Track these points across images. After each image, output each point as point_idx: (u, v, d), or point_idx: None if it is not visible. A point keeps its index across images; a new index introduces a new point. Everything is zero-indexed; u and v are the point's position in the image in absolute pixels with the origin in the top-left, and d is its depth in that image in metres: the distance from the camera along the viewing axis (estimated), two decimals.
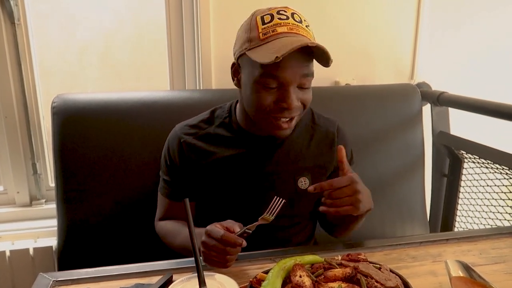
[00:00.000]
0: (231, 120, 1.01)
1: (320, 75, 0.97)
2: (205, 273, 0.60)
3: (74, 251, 1.24)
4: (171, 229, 1.02)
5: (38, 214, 1.50)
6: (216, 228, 0.77)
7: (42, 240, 1.42)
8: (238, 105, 1.01)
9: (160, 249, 1.06)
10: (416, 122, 1.56)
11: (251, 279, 0.73)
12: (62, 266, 1.24)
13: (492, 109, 1.42)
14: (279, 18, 0.86)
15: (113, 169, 1.23)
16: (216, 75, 1.50)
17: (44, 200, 1.52)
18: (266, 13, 0.88)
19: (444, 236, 1.02)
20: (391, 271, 0.76)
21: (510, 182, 1.50)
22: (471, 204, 1.69)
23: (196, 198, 1.02)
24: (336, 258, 0.79)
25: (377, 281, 0.69)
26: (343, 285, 0.66)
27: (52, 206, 1.39)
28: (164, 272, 0.82)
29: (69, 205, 1.23)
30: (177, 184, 1.02)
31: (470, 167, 1.64)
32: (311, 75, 0.89)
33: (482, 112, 1.46)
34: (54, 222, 1.29)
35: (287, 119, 0.91)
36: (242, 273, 0.84)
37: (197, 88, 1.53)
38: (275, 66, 0.82)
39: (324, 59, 0.86)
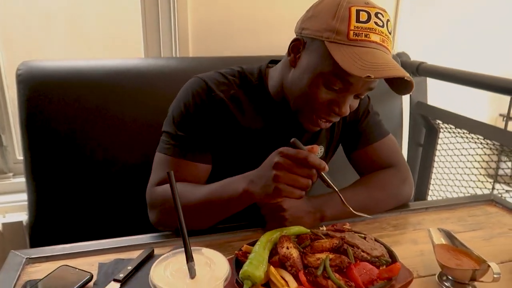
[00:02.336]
0: (262, 88, 0.92)
1: None
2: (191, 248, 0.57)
3: (46, 226, 1.19)
4: (182, 189, 0.82)
5: (6, 188, 1.42)
6: (292, 149, 0.70)
7: (11, 215, 1.35)
8: (274, 75, 0.92)
9: (138, 223, 1.02)
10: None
11: (236, 252, 0.72)
12: (35, 243, 1.19)
13: (470, 79, 1.44)
14: (376, 23, 0.76)
15: (84, 140, 1.17)
16: (194, 42, 1.43)
17: (11, 174, 1.45)
18: (363, 8, 0.76)
19: (423, 205, 1.04)
20: (375, 240, 0.76)
21: (483, 151, 1.54)
22: (444, 173, 1.73)
23: (211, 160, 0.91)
24: (321, 228, 0.79)
25: (363, 251, 0.69)
26: (331, 255, 0.65)
27: (21, 180, 1.33)
28: (144, 247, 0.79)
29: (39, 178, 1.16)
30: (194, 140, 0.88)
31: (446, 137, 1.68)
32: (373, 88, 0.83)
33: (460, 82, 1.47)
34: (23, 197, 1.23)
35: (328, 122, 0.87)
36: (226, 245, 0.82)
37: (174, 56, 1.46)
38: (348, 73, 0.73)
39: (402, 89, 0.80)
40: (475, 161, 1.59)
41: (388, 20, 0.79)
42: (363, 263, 0.67)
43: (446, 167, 1.72)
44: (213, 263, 0.51)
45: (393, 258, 0.71)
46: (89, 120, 1.17)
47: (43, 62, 1.17)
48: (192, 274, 0.49)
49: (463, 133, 1.55)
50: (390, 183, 0.97)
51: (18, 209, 1.37)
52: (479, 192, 1.58)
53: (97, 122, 1.17)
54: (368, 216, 0.82)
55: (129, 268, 0.70)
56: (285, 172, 0.69)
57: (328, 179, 0.73)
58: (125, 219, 1.18)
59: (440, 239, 0.77)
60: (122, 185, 1.20)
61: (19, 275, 0.70)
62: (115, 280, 0.67)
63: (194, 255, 0.51)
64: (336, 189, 0.75)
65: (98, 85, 1.18)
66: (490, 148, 1.52)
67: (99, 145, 1.18)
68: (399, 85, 0.81)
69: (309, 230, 0.76)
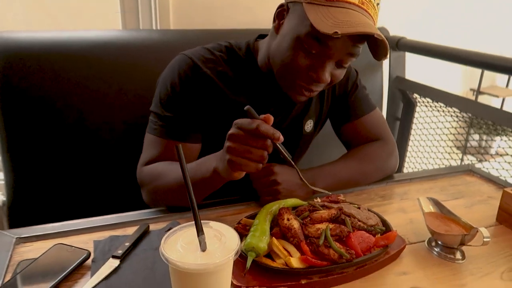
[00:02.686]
0: (251, 62, 0.91)
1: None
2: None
3: (26, 206, 1.14)
4: (167, 168, 0.84)
5: None
6: (247, 119, 0.67)
7: None
8: (263, 47, 0.90)
9: (124, 200, 1.00)
10: (376, 67, 1.58)
11: (236, 225, 0.72)
12: (14, 223, 1.15)
13: (446, 52, 1.47)
14: None
15: (63, 115, 1.12)
16: (175, 14, 1.38)
17: None
18: None
19: (407, 176, 1.07)
20: (369, 210, 0.78)
21: (459, 124, 1.60)
22: (421, 145, 1.79)
23: (200, 139, 0.90)
24: (316, 200, 0.80)
25: (359, 220, 0.71)
26: (331, 225, 0.67)
27: None
28: (138, 223, 0.78)
29: (15, 157, 1.11)
30: (181, 120, 0.86)
31: (422, 111, 1.73)
32: (357, 55, 0.80)
33: (437, 57, 1.51)
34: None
35: (310, 91, 0.84)
36: (219, 220, 0.81)
37: (154, 28, 1.40)
38: (323, 33, 0.71)
39: (380, 52, 0.78)
40: (450, 133, 1.65)
41: None
42: (360, 232, 0.69)
43: (422, 140, 1.78)
44: (223, 236, 0.51)
45: (386, 226, 0.74)
46: (68, 93, 1.11)
47: (15, 33, 1.10)
48: (203, 247, 0.49)
49: (440, 106, 1.60)
50: (379, 156, 1.00)
51: None
52: (453, 163, 1.65)
53: (76, 95, 1.12)
54: (328, 193, 0.82)
55: (127, 244, 0.69)
56: (238, 143, 0.67)
57: (283, 150, 0.70)
58: (108, 196, 1.16)
59: (429, 207, 0.80)
60: (104, 160, 1.17)
61: (11, 256, 0.67)
62: (113, 257, 0.66)
63: (204, 228, 0.50)
64: (292, 162, 0.73)
65: (77, 57, 1.13)
66: (465, 121, 1.59)
67: (79, 120, 1.13)
68: (378, 50, 0.79)
69: (306, 202, 0.77)
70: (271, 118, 0.68)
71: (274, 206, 0.72)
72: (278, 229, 0.67)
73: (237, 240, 0.51)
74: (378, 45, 0.77)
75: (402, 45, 1.61)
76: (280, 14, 0.83)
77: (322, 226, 0.67)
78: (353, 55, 0.80)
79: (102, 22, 1.46)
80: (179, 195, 0.80)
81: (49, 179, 1.14)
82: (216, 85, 0.88)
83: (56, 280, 0.60)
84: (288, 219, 0.67)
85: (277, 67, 0.84)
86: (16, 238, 0.71)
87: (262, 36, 0.95)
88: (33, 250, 0.69)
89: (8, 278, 0.62)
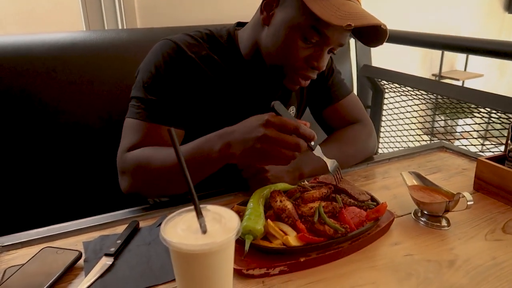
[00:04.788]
0: (233, 50, 0.91)
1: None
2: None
3: (4, 217, 1.09)
4: (157, 152, 0.80)
5: None
6: (282, 118, 0.68)
7: None
8: (244, 36, 0.90)
9: (106, 201, 0.97)
10: (345, 56, 1.62)
11: None
12: None
13: (411, 38, 1.54)
14: None
15: (30, 121, 1.08)
16: (141, 13, 1.36)
17: None
18: None
19: (385, 156, 1.10)
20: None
21: (426, 106, 1.66)
22: (392, 130, 1.85)
23: (184, 123, 0.88)
24: (304, 183, 0.81)
25: (351, 196, 0.73)
26: (323, 203, 0.68)
27: None
28: (127, 221, 0.76)
29: None
30: (165, 104, 0.84)
31: (391, 97, 1.78)
32: (344, 45, 0.85)
33: (402, 43, 1.57)
34: None
35: (307, 79, 0.86)
36: None
37: (120, 27, 1.37)
38: (326, 25, 0.75)
39: (374, 41, 0.83)
40: (419, 116, 1.72)
41: None
42: (352, 207, 0.71)
43: (393, 124, 1.84)
44: (222, 218, 0.51)
45: (376, 201, 0.76)
46: (37, 96, 1.08)
47: None
48: (203, 229, 0.49)
49: (407, 90, 1.66)
50: (359, 138, 1.02)
51: None
52: (423, 143, 1.71)
53: (46, 100, 1.08)
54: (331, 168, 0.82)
55: (118, 242, 0.68)
56: (276, 136, 0.67)
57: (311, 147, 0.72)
58: (91, 197, 1.13)
59: (412, 181, 0.83)
60: (80, 160, 1.13)
61: None
62: (106, 255, 0.64)
63: (202, 212, 0.50)
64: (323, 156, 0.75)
65: (42, 61, 1.09)
66: (432, 103, 1.65)
67: (52, 122, 1.09)
68: (369, 38, 0.84)
69: (292, 186, 0.78)
70: (308, 124, 0.71)
71: (266, 190, 0.73)
72: (272, 212, 0.68)
73: (237, 220, 0.51)
74: (375, 35, 0.81)
75: None
76: (268, 5, 0.84)
77: (315, 204, 0.68)
78: (343, 44, 0.84)
79: (60, 25, 1.41)
80: (173, 178, 0.77)
81: (22, 186, 1.09)
82: (201, 69, 0.87)
83: (49, 283, 0.57)
84: (281, 201, 0.67)
85: (272, 57, 0.85)
86: None
87: (240, 23, 0.95)
88: (19, 257, 0.66)
89: None
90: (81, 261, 0.64)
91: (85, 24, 1.39)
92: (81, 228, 0.74)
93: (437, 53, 3.03)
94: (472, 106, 1.46)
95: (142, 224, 0.76)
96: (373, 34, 0.82)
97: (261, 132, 0.67)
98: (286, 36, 0.81)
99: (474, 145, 1.51)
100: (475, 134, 1.60)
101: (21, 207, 1.10)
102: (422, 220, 0.77)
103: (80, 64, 1.12)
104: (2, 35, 1.12)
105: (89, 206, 1.00)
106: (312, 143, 0.71)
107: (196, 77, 0.87)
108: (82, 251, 0.66)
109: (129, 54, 1.18)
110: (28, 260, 0.62)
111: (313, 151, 0.73)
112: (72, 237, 0.73)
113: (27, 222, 1.02)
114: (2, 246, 0.68)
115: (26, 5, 1.36)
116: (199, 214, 0.49)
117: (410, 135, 1.79)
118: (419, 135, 1.76)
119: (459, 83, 3.10)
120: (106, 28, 1.39)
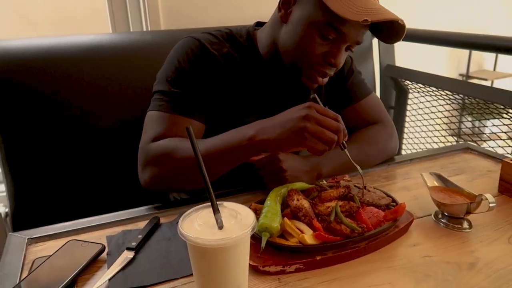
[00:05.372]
0: (252, 49, 0.93)
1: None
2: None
3: (29, 214, 1.14)
4: (182, 143, 0.81)
5: None
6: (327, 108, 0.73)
7: None
8: (262, 36, 0.92)
9: (127, 198, 1.00)
10: (367, 57, 1.60)
11: None
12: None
13: (437, 37, 1.51)
14: None
15: (58, 120, 1.12)
16: (165, 15, 1.40)
17: None
18: None
19: (407, 157, 1.09)
20: (375, 189, 0.79)
21: (452, 107, 1.62)
22: (416, 131, 1.82)
23: (205, 119, 0.90)
24: (322, 183, 0.81)
25: (372, 205, 0.72)
26: (340, 202, 0.68)
27: None
28: (148, 217, 0.79)
29: (14, 165, 1.11)
30: (189, 96, 0.86)
31: (415, 97, 1.75)
32: (361, 42, 0.85)
33: (428, 42, 1.54)
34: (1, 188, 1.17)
35: (324, 76, 0.87)
36: None
37: (144, 29, 1.41)
38: (343, 21, 0.77)
39: (391, 37, 0.83)
40: (444, 116, 1.68)
41: None
42: (369, 207, 0.70)
43: (417, 125, 1.80)
44: (238, 214, 0.52)
45: (396, 202, 0.75)
46: (63, 99, 1.12)
47: (7, 42, 1.10)
48: (219, 224, 0.50)
49: (432, 90, 1.62)
50: (379, 138, 1.01)
51: None
52: (448, 144, 1.67)
53: (71, 100, 1.12)
54: (360, 171, 0.82)
55: (140, 237, 0.70)
56: (318, 119, 0.71)
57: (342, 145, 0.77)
58: (112, 194, 1.16)
59: (433, 182, 0.82)
60: (102, 160, 1.17)
61: (25, 255, 0.67)
62: (128, 249, 0.67)
63: (219, 208, 0.51)
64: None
65: (70, 62, 1.13)
66: (458, 104, 1.61)
67: (77, 123, 1.13)
68: (387, 34, 0.83)
69: (313, 185, 0.78)
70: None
71: (283, 189, 0.73)
72: (289, 210, 0.68)
73: (253, 217, 0.52)
74: (392, 32, 0.81)
75: None
76: (286, 3, 0.86)
77: (332, 204, 0.68)
78: (359, 43, 0.84)
79: (90, 27, 1.47)
80: (197, 170, 0.77)
81: (49, 183, 1.14)
82: (223, 66, 0.89)
83: (74, 273, 0.60)
84: (298, 200, 0.68)
85: (290, 55, 0.86)
86: (28, 238, 0.71)
87: (259, 23, 0.96)
88: (46, 249, 0.70)
89: (24, 275, 0.62)
90: (104, 254, 0.66)
91: (111, 26, 1.43)
92: (105, 223, 0.77)
93: (464, 52, 2.94)
94: (501, 106, 1.42)
95: (162, 220, 0.78)
96: (391, 30, 0.81)
97: (305, 112, 0.71)
98: (304, 33, 0.82)
99: (502, 147, 1.46)
100: (503, 136, 1.55)
101: (50, 202, 1.15)
102: (442, 222, 0.75)
103: (105, 65, 1.16)
104: (34, 38, 1.17)
105: (113, 202, 1.03)
106: (344, 141, 0.74)
107: (217, 73, 0.89)
108: (106, 244, 0.69)
109: (153, 55, 1.21)
110: (55, 252, 0.65)
111: (344, 149, 0.77)
112: (96, 231, 0.76)
113: (55, 216, 1.07)
114: (31, 238, 0.72)
115: (59, 9, 1.42)
116: (215, 210, 0.51)
117: (435, 136, 1.75)
118: (444, 136, 1.72)
119: (488, 83, 3.00)
120: (131, 29, 1.42)
